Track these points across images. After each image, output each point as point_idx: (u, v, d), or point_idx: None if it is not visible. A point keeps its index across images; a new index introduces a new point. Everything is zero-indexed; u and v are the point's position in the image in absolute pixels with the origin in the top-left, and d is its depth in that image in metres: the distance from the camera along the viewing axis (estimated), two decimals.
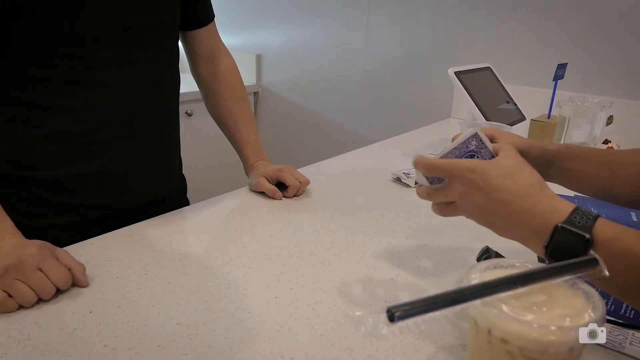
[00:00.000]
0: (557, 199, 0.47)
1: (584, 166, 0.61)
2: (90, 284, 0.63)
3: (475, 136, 0.56)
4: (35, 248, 0.60)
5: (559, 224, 0.44)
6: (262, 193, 0.96)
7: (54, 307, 0.58)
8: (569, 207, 0.45)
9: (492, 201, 0.49)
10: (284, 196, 0.94)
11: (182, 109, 1.31)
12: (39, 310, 0.57)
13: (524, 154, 0.57)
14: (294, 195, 0.95)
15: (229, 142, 1.07)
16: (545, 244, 0.45)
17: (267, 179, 0.95)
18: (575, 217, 0.44)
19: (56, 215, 0.80)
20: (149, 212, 0.85)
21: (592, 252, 0.40)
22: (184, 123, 1.66)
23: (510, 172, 0.50)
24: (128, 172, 0.83)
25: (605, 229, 0.43)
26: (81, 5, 0.71)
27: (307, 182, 0.97)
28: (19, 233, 0.66)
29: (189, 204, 0.97)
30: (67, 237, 0.73)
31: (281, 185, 0.95)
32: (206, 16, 0.97)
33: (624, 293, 0.44)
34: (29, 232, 0.66)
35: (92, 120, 0.77)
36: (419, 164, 0.55)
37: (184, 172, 1.05)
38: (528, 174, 0.50)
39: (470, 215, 0.53)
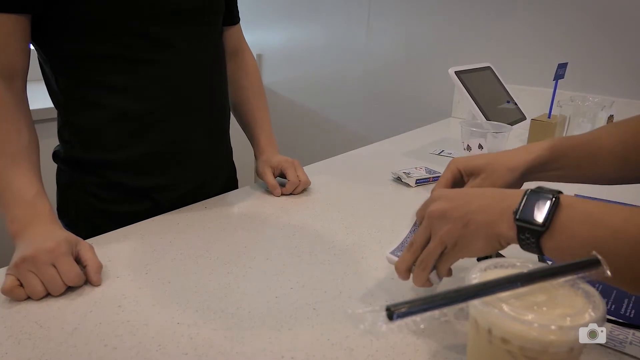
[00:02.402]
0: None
1: (562, 172, 0.62)
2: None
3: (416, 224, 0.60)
4: (53, 243, 0.61)
5: (529, 190, 0.47)
6: (261, 192, 0.96)
7: (55, 307, 0.58)
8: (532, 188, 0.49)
9: (465, 197, 0.51)
10: (283, 192, 0.95)
11: None
12: (39, 310, 0.57)
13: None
14: (291, 194, 0.96)
15: (238, 138, 1.10)
16: (515, 208, 0.46)
17: (273, 170, 0.98)
18: (542, 188, 0.47)
19: (127, 201, 0.86)
20: (208, 194, 0.94)
21: (594, 252, 0.39)
22: None
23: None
24: (190, 149, 0.88)
25: (568, 196, 0.46)
26: None
27: (307, 183, 0.97)
28: (52, 219, 0.68)
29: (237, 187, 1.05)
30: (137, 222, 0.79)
31: (284, 177, 0.97)
32: (236, 15, 1.04)
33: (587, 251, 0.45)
34: (104, 217, 0.69)
35: (153, 98, 0.81)
36: (398, 267, 0.56)
37: None
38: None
39: (448, 225, 0.51)
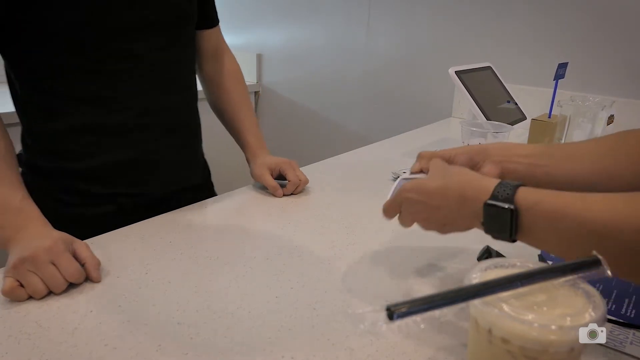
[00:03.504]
0: (483, 178, 0.50)
1: (546, 168, 0.63)
2: (91, 283, 0.63)
3: (400, 182, 0.62)
4: (51, 242, 0.61)
5: (486, 201, 0.47)
6: (261, 192, 0.96)
7: (55, 306, 0.58)
8: (492, 183, 0.48)
9: (432, 208, 0.54)
10: (284, 193, 0.95)
11: None
12: (39, 310, 0.57)
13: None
14: (292, 194, 0.95)
15: (229, 141, 1.08)
16: (482, 221, 0.48)
17: (271, 171, 0.97)
18: (497, 192, 0.47)
19: (91, 205, 0.84)
20: (179, 199, 0.90)
21: (594, 252, 0.40)
22: None
23: (438, 177, 0.55)
24: (157, 159, 0.87)
25: (527, 195, 0.45)
26: (107, 1, 0.74)
27: (306, 182, 0.97)
28: (43, 221, 0.68)
29: (214, 192, 1.04)
30: (103, 226, 0.77)
31: (281, 178, 0.96)
32: (214, 18, 1.02)
33: (559, 250, 0.46)
34: (66, 220, 0.71)
35: (119, 110, 0.80)
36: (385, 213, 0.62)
37: None
38: (454, 173, 0.55)
39: (427, 225, 0.57)
